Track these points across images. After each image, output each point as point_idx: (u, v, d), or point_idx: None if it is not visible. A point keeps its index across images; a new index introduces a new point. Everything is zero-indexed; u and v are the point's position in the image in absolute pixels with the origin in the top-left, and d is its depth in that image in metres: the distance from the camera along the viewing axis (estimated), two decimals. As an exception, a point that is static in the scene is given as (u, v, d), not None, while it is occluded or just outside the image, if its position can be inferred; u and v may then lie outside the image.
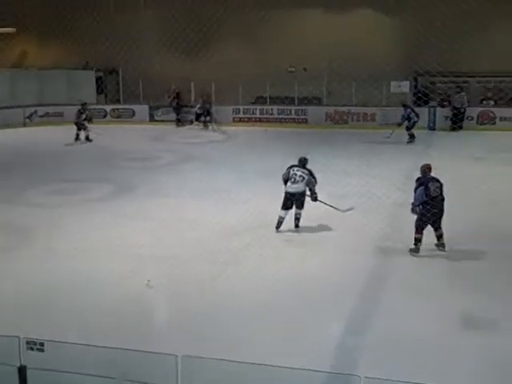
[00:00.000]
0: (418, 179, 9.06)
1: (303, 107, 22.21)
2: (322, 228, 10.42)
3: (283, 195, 10.18)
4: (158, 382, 4.91)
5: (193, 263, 8.87)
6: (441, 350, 6.44)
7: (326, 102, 22.52)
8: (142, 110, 23.41)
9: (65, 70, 23.51)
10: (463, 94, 20.37)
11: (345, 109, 21.64)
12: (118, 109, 23.56)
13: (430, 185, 8.88)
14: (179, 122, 22.58)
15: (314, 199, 10.31)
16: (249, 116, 22.58)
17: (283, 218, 10.22)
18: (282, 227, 10.25)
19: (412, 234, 9.06)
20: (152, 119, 23.34)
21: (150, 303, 7.88)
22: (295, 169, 10.26)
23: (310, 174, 10.24)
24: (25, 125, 22.52)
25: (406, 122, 18.33)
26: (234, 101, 22.15)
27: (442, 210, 8.92)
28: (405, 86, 20.91)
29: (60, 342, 5.06)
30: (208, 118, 21.76)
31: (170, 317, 7.63)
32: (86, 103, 19.61)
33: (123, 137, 19.52)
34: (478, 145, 17.20)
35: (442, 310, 7.29)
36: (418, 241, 9.01)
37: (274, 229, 10.20)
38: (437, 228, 9.04)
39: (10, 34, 23.09)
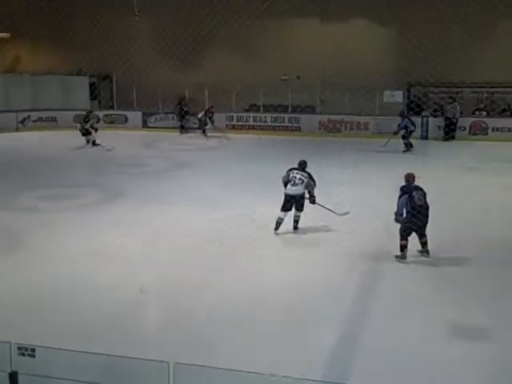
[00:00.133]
0: (402, 188, 9.19)
1: (296, 115, 22.30)
2: (316, 230, 10.61)
3: (283, 197, 10.36)
4: (150, 389, 4.90)
5: (187, 269, 8.83)
6: (430, 357, 6.45)
7: (320, 110, 22.61)
8: (135, 116, 23.45)
9: (58, 75, 23.49)
10: (456, 104, 20.51)
11: (338, 117, 21.73)
12: (111, 114, 23.57)
13: (414, 193, 9.04)
14: (183, 128, 22.51)
15: (313, 202, 10.50)
16: (242, 123, 22.63)
17: (282, 220, 10.41)
18: (281, 228, 10.41)
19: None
20: (145, 125, 23.36)
21: (142, 310, 7.82)
22: (295, 171, 10.47)
23: (310, 177, 10.44)
24: (18, 129, 22.48)
25: (402, 131, 18.41)
26: (228, 108, 22.19)
27: (426, 218, 9.05)
28: (398, 96, 21.04)
29: (51, 347, 5.02)
30: (209, 126, 21.62)
31: (163, 323, 7.59)
32: (91, 111, 19.84)
33: (117, 143, 19.50)
34: (470, 155, 17.33)
35: (431, 317, 7.32)
36: (403, 247, 9.14)
37: (273, 230, 10.39)
38: (421, 235, 9.17)
39: (4, 39, 23.10)
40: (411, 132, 18.51)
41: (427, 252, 9.26)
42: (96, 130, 19.33)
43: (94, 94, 24.01)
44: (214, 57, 22.90)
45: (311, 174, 10.50)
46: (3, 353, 4.88)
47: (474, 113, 21.46)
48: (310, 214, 10.58)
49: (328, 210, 10.65)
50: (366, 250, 9.58)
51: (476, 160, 16.42)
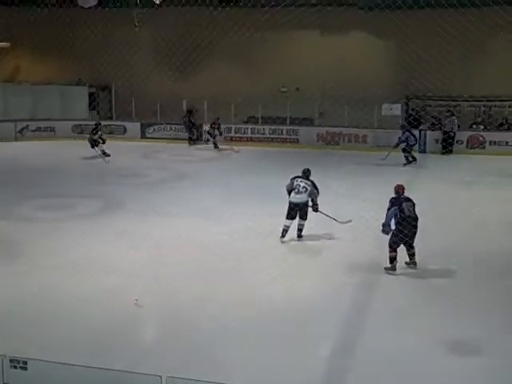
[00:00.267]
0: (392, 200, 9.23)
1: (295, 127, 22.33)
2: (318, 238, 10.88)
3: (287, 205, 10.56)
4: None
5: (185, 282, 8.80)
6: (423, 369, 6.46)
7: (318, 122, 22.66)
8: (133, 126, 23.47)
9: (58, 85, 23.55)
10: (454, 117, 20.55)
11: (336, 130, 21.75)
12: (110, 125, 23.59)
13: (403, 205, 9.08)
14: (191, 140, 22.46)
15: (316, 210, 10.69)
16: (240, 135, 22.66)
17: (288, 227, 10.62)
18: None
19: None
20: (144, 136, 23.40)
21: (138, 322, 7.79)
22: (299, 180, 10.67)
23: (313, 185, 10.65)
24: (16, 139, 22.46)
25: (403, 144, 18.42)
26: (227, 120, 22.22)
27: (415, 228, 9.08)
28: (396, 109, 21.06)
29: (43, 360, 5.00)
30: (216, 139, 21.59)
31: (157, 336, 7.56)
32: (100, 123, 19.82)
33: (116, 153, 19.50)
34: (467, 168, 17.36)
35: (421, 330, 7.33)
36: (393, 259, 9.16)
37: (280, 238, 10.61)
38: (409, 247, 9.19)
39: (4, 48, 23.18)
40: (412, 146, 18.52)
41: (414, 264, 9.29)
42: (104, 140, 19.35)
43: (92, 104, 24.07)
44: (214, 68, 22.98)
45: (315, 182, 10.71)
46: (-5, 365, 4.86)
47: (471, 126, 21.51)
48: (312, 222, 10.76)
49: (330, 218, 10.83)
50: (363, 261, 9.61)
51: (474, 174, 16.45)
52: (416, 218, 9.11)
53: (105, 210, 12.99)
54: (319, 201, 10.71)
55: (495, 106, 21.95)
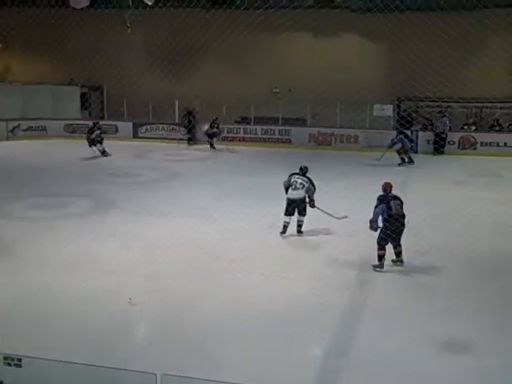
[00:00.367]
0: (379, 197, 9.29)
1: (287, 127, 22.38)
2: (315, 233, 11.00)
3: (285, 202, 10.75)
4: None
5: (177, 281, 8.80)
6: (417, 368, 6.49)
7: (310, 123, 22.72)
8: (125, 126, 23.43)
9: (49, 85, 23.47)
10: (445, 118, 20.65)
11: (328, 130, 21.81)
12: (102, 124, 23.49)
13: (391, 203, 9.14)
14: (190, 140, 22.41)
15: (312, 206, 10.88)
16: (233, 135, 22.66)
17: (288, 223, 10.83)
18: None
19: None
20: (136, 135, 23.36)
21: (131, 321, 7.78)
22: (296, 176, 10.87)
23: (310, 181, 10.84)
24: (8, 138, 22.40)
25: (397, 146, 18.44)
26: (220, 120, 22.19)
27: (402, 225, 9.14)
28: (388, 110, 21.15)
29: (38, 358, 4.99)
30: (214, 139, 21.55)
31: (151, 335, 7.55)
32: (98, 122, 19.84)
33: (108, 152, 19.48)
34: (459, 169, 17.49)
35: (415, 329, 7.37)
36: (381, 257, 9.22)
37: (280, 234, 10.83)
38: (396, 245, 9.25)
39: (-4, 48, 23.07)
40: (408, 148, 18.53)
41: (401, 261, 9.37)
42: (101, 140, 19.29)
43: (84, 104, 24.01)
44: (207, 69, 22.99)
45: (311, 179, 10.87)
46: (-12, 363, 4.85)
47: (463, 127, 21.64)
48: (310, 218, 10.92)
49: (327, 213, 10.98)
50: (357, 259, 9.65)
51: (465, 174, 16.56)
52: (403, 216, 9.16)
53: (97, 210, 12.95)
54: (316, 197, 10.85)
55: (486, 107, 22.11)
